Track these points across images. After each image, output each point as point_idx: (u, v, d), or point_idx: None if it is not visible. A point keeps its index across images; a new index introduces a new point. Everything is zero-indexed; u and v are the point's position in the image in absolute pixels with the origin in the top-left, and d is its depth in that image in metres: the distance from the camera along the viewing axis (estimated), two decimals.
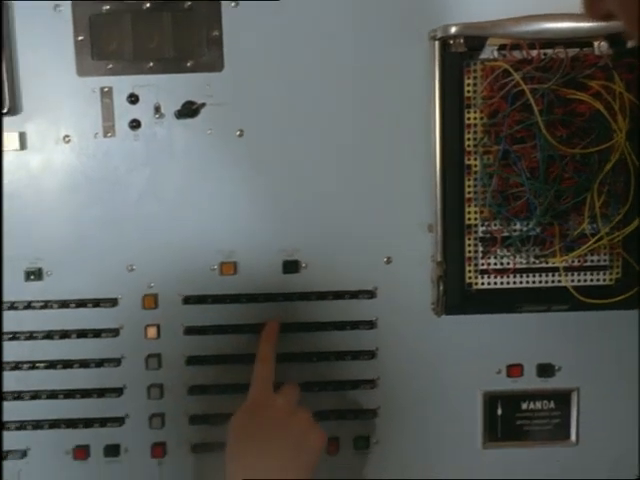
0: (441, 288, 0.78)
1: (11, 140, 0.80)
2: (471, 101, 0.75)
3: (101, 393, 0.83)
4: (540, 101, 0.72)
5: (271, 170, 0.81)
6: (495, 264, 0.78)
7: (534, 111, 0.72)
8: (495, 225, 0.76)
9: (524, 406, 0.84)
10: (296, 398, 0.79)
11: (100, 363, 0.83)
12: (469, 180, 0.76)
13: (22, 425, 0.83)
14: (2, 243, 0.81)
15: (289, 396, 0.78)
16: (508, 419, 0.84)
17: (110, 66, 0.79)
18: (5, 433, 0.83)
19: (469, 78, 0.75)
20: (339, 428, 0.84)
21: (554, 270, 0.77)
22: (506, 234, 0.77)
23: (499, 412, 0.84)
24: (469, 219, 0.77)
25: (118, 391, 0.83)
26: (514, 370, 0.84)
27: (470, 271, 0.78)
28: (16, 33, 0.79)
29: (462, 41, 0.74)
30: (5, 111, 0.79)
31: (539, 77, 0.73)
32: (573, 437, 0.85)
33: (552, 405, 0.85)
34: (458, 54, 0.75)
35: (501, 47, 0.75)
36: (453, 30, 0.74)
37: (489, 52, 0.75)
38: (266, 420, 0.76)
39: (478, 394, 0.84)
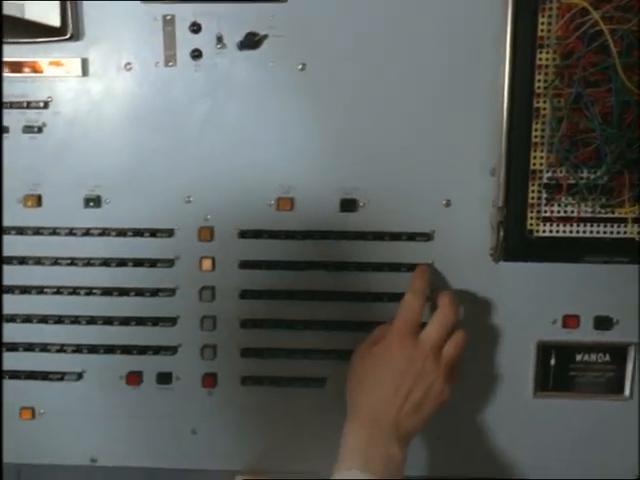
0: (501, 234, 0.76)
1: (73, 66, 0.80)
2: (544, 41, 0.72)
3: (155, 322, 0.84)
4: (619, 43, 0.69)
5: (332, 106, 0.79)
6: (559, 212, 0.75)
7: (612, 53, 0.68)
8: (561, 172, 0.74)
9: (578, 358, 0.83)
10: (443, 334, 0.77)
11: (155, 292, 0.84)
12: (537, 124, 0.74)
13: (79, 348, 0.85)
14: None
15: (434, 341, 0.77)
16: (561, 370, 0.83)
17: None
18: (62, 355, 0.86)
19: (543, 16, 0.72)
20: None
21: (620, 221, 0.75)
22: (572, 181, 0.74)
23: (552, 362, 0.83)
24: (534, 164, 0.75)
25: (172, 321, 0.84)
26: (570, 321, 0.82)
27: (532, 218, 0.76)
28: None
29: None
30: (68, 36, 0.78)
31: (619, 17, 0.69)
32: (627, 392, 0.84)
33: (607, 358, 0.83)
34: None
35: None
36: None
37: None
38: (401, 356, 0.76)
39: (532, 343, 0.83)
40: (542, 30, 0.72)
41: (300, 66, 0.78)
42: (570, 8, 0.70)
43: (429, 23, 0.77)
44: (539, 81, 0.73)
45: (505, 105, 0.74)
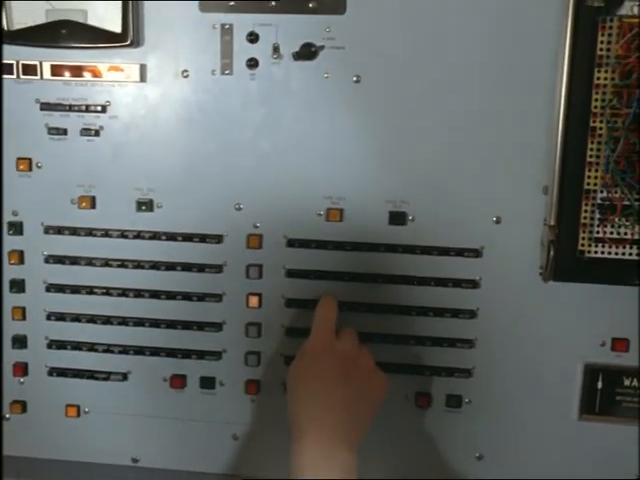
0: (551, 253, 0.75)
1: (132, 72, 0.81)
2: (603, 60, 0.71)
3: (201, 326, 0.85)
4: None
5: (385, 119, 0.79)
6: (612, 233, 0.74)
7: None
8: (616, 192, 0.73)
9: (626, 382, 0.81)
10: (356, 342, 0.79)
11: (202, 297, 0.84)
12: (592, 143, 0.73)
13: (125, 349, 0.87)
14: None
15: (349, 341, 0.78)
16: (608, 393, 0.82)
17: (232, 3, 0.79)
18: (108, 356, 0.87)
19: (603, 35, 0.71)
20: (432, 384, 0.84)
21: None
22: (627, 202, 0.73)
23: (599, 385, 0.81)
24: (588, 184, 0.74)
25: (217, 326, 0.85)
26: (620, 344, 0.80)
27: (584, 238, 0.75)
28: None
29: None
30: (128, 43, 0.80)
31: None
32: None
33: None
34: (594, 8, 0.70)
35: None
36: None
37: (628, 8, 0.71)
38: (327, 366, 0.76)
39: (579, 365, 0.81)
40: (601, 49, 0.71)
41: (355, 78, 0.79)
42: (631, 27, 0.69)
43: (486, 39, 0.76)
44: (596, 100, 0.72)
45: (561, 123, 0.73)
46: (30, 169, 0.85)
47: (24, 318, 0.88)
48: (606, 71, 0.71)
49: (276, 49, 0.79)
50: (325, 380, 0.75)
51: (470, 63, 0.77)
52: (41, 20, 0.80)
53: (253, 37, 0.79)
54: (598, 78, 0.72)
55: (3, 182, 0.85)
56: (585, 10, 0.71)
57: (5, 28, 0.80)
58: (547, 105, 0.75)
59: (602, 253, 0.75)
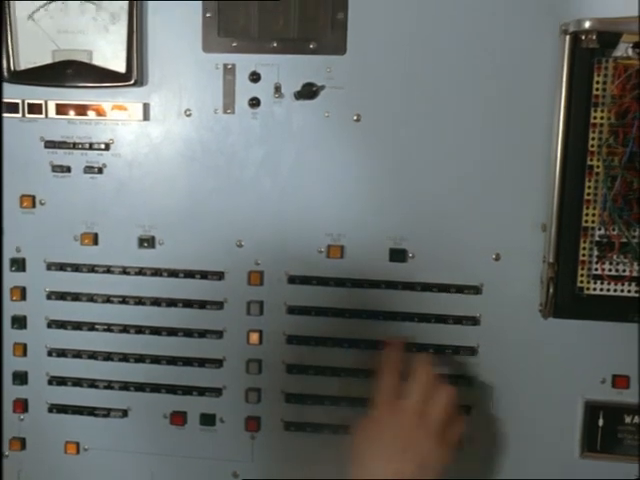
0: (551, 290, 0.75)
1: (136, 110, 0.83)
2: (599, 99, 0.72)
3: (202, 363, 0.85)
4: None
5: (385, 157, 0.80)
6: (610, 270, 0.75)
7: None
8: (614, 229, 0.74)
9: (627, 419, 0.81)
10: (423, 388, 0.75)
11: (203, 334, 0.85)
12: (590, 181, 0.74)
13: (126, 385, 0.87)
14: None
15: (416, 390, 0.75)
16: (609, 431, 0.81)
17: (235, 44, 0.80)
18: (109, 392, 0.87)
19: (599, 75, 0.72)
20: None
21: None
22: (625, 240, 0.74)
23: (600, 423, 0.81)
24: (586, 221, 0.75)
25: (218, 362, 0.85)
26: (620, 381, 0.81)
27: (583, 275, 0.75)
28: (148, 7, 0.81)
29: (594, 37, 0.71)
30: (132, 82, 0.81)
31: None
32: None
33: None
34: (589, 50, 0.72)
35: (636, 45, 0.71)
36: (586, 25, 0.71)
37: (623, 49, 0.72)
38: (385, 435, 0.74)
39: (580, 402, 0.81)
40: (597, 89, 0.72)
41: (355, 117, 0.80)
42: (626, 68, 0.71)
43: (484, 79, 0.78)
44: (593, 139, 0.73)
45: (558, 162, 0.74)
46: (34, 206, 0.86)
47: (25, 354, 0.88)
48: (602, 110, 0.72)
49: (278, 89, 0.81)
50: (386, 440, 0.74)
51: (469, 102, 0.78)
52: (47, 60, 0.81)
53: (255, 77, 0.81)
54: (594, 117, 0.73)
55: (8, 219, 0.86)
56: (581, 51, 0.72)
57: (12, 68, 0.81)
58: (545, 143, 0.76)
59: (601, 290, 0.75)
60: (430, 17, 0.78)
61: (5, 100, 0.83)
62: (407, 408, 0.75)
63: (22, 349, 0.88)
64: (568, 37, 0.72)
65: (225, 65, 0.81)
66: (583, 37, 0.71)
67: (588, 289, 0.76)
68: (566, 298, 0.75)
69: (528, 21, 0.76)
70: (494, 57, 0.77)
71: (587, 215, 0.74)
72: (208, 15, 0.80)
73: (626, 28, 0.71)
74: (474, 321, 0.81)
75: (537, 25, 0.76)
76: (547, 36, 0.76)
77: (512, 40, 0.77)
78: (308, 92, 0.80)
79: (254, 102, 0.81)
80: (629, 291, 0.75)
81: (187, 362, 0.85)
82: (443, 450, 0.74)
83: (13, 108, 0.83)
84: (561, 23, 0.74)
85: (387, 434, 0.74)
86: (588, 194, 0.74)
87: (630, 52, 0.72)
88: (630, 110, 0.71)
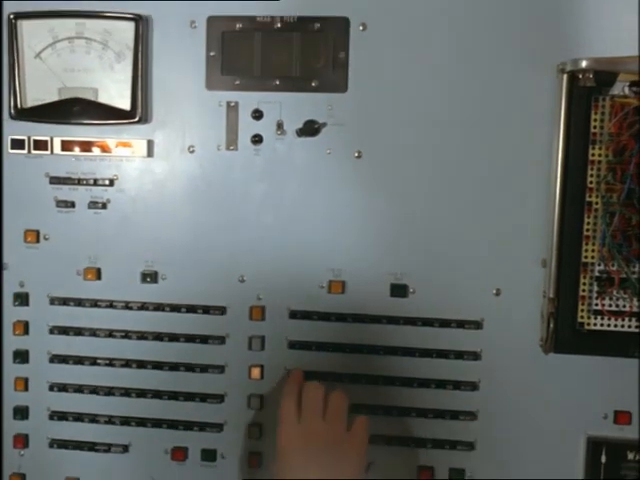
0: (551, 325, 0.76)
1: (140, 147, 0.84)
2: (597, 137, 0.74)
3: (203, 398, 0.85)
4: None
5: (386, 193, 0.81)
6: (610, 305, 0.75)
7: None
8: (613, 265, 0.74)
9: (630, 456, 0.81)
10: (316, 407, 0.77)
11: (204, 369, 0.85)
12: (589, 217, 0.75)
13: (127, 420, 0.86)
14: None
15: (309, 411, 0.77)
16: (612, 468, 0.81)
17: (238, 82, 0.82)
18: (110, 427, 0.87)
19: (596, 113, 0.74)
20: (435, 457, 0.83)
21: None
22: (624, 275, 0.74)
23: (603, 459, 0.81)
24: (586, 257, 0.75)
25: (219, 398, 0.85)
26: (622, 417, 0.80)
27: (583, 310, 0.76)
28: (153, 46, 0.83)
29: (591, 76, 0.72)
30: (137, 119, 0.82)
31: None
32: None
33: None
34: (587, 88, 0.73)
35: (632, 84, 0.73)
36: (583, 64, 0.72)
37: (619, 88, 0.73)
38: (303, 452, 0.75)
39: (582, 438, 0.81)
40: (595, 127, 0.74)
41: (356, 154, 0.81)
42: (623, 107, 0.72)
43: (484, 116, 0.79)
44: (591, 176, 0.74)
45: (557, 198, 0.75)
46: (38, 241, 0.86)
47: (26, 389, 0.88)
48: (600, 148, 0.74)
49: (280, 126, 0.82)
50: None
51: (468, 140, 0.79)
52: (54, 98, 0.83)
53: (258, 114, 0.82)
54: (593, 154, 0.74)
55: (12, 254, 0.87)
56: (578, 90, 0.73)
57: (19, 106, 0.83)
58: (544, 180, 0.77)
59: (601, 325, 0.76)
60: (429, 56, 0.79)
61: (11, 137, 0.85)
62: (307, 428, 0.76)
63: (23, 384, 0.88)
64: (566, 76, 0.74)
65: (228, 103, 0.82)
66: (580, 76, 0.73)
67: (589, 324, 0.76)
68: (567, 333, 0.76)
69: (526, 60, 0.78)
70: (493, 95, 0.79)
71: (587, 251, 0.75)
72: (212, 54, 0.82)
73: (622, 67, 0.72)
74: (475, 356, 0.81)
75: (535, 64, 0.77)
76: (545, 75, 0.77)
77: (511, 79, 0.78)
78: (310, 129, 0.81)
79: (257, 139, 0.82)
80: (629, 326, 0.75)
81: (188, 397, 0.85)
82: (359, 454, 0.75)
83: (19, 144, 0.85)
84: (558, 62, 0.75)
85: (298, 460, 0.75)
86: (587, 230, 0.75)
87: (627, 91, 0.73)
88: (627, 148, 0.72)
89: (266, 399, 0.85)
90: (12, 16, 0.82)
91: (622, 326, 0.75)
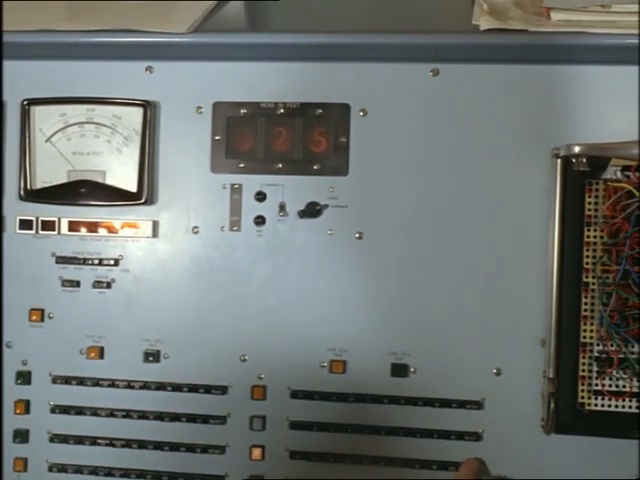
0: (552, 406, 0.76)
1: (145, 228, 0.85)
2: (592, 219, 0.75)
3: (204, 479, 0.84)
4: None
5: (387, 274, 0.82)
6: (610, 386, 0.76)
7: None
8: (612, 345, 0.75)
9: None
10: None
11: (205, 449, 0.84)
12: (586, 297, 0.76)
13: None
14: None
15: None
16: None
17: (242, 165, 0.84)
18: None
19: (590, 197, 0.75)
20: None
21: None
22: (623, 356, 0.75)
23: None
24: (584, 337, 0.76)
25: (220, 479, 0.84)
26: None
27: (583, 390, 0.76)
28: (160, 130, 0.85)
29: (585, 160, 0.74)
30: (143, 201, 0.84)
31: None
32: None
33: None
34: (580, 172, 0.75)
35: (625, 168, 0.75)
36: (576, 149, 0.74)
37: (612, 172, 0.75)
38: None
39: None
40: (589, 209, 0.75)
41: (357, 235, 0.83)
42: (616, 190, 0.74)
43: (482, 200, 0.81)
44: (587, 257, 0.75)
45: (555, 279, 0.76)
46: (42, 319, 0.87)
47: (25, 470, 0.88)
48: (595, 230, 0.75)
49: (282, 207, 0.84)
50: None
51: (467, 222, 0.81)
52: (63, 180, 0.85)
53: (261, 196, 0.84)
54: (588, 236, 0.75)
55: (16, 333, 0.87)
56: (572, 174, 0.75)
57: (28, 188, 0.85)
58: (542, 261, 0.78)
59: (602, 406, 0.76)
60: (428, 142, 0.82)
61: (20, 217, 0.87)
62: None
63: (23, 464, 0.88)
64: (560, 160, 0.76)
65: (232, 185, 0.85)
66: (574, 160, 0.75)
67: (589, 405, 0.76)
68: (567, 414, 0.76)
69: (522, 146, 0.80)
70: (490, 179, 0.81)
71: (585, 331, 0.76)
72: (217, 138, 0.85)
73: (614, 153, 0.74)
74: (476, 436, 0.81)
75: (531, 149, 0.80)
76: (540, 159, 0.79)
77: (507, 163, 0.80)
78: (312, 211, 0.83)
79: (259, 220, 0.84)
80: (630, 407, 0.75)
81: (188, 478, 0.85)
82: None
83: (27, 225, 0.87)
84: (553, 147, 0.77)
85: None
86: (585, 310, 0.76)
87: (619, 175, 0.75)
88: (622, 230, 0.73)
89: (265, 478, 0.84)
90: (25, 102, 0.85)
91: (622, 407, 0.76)
